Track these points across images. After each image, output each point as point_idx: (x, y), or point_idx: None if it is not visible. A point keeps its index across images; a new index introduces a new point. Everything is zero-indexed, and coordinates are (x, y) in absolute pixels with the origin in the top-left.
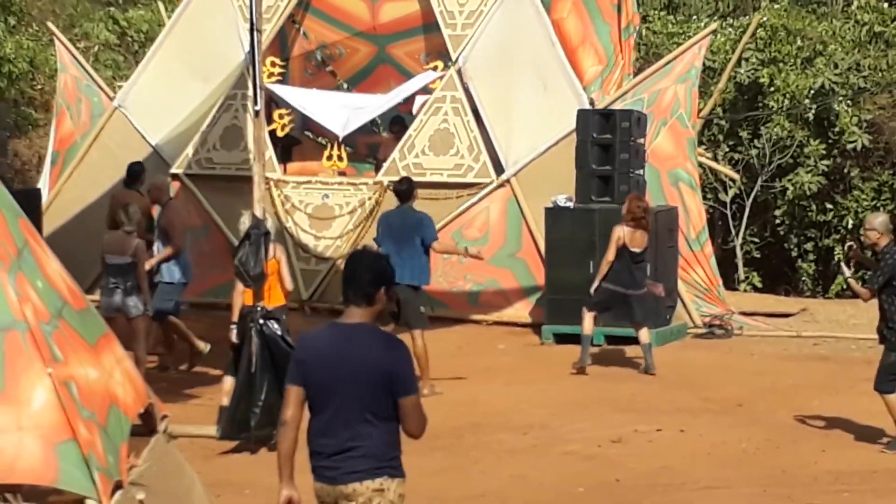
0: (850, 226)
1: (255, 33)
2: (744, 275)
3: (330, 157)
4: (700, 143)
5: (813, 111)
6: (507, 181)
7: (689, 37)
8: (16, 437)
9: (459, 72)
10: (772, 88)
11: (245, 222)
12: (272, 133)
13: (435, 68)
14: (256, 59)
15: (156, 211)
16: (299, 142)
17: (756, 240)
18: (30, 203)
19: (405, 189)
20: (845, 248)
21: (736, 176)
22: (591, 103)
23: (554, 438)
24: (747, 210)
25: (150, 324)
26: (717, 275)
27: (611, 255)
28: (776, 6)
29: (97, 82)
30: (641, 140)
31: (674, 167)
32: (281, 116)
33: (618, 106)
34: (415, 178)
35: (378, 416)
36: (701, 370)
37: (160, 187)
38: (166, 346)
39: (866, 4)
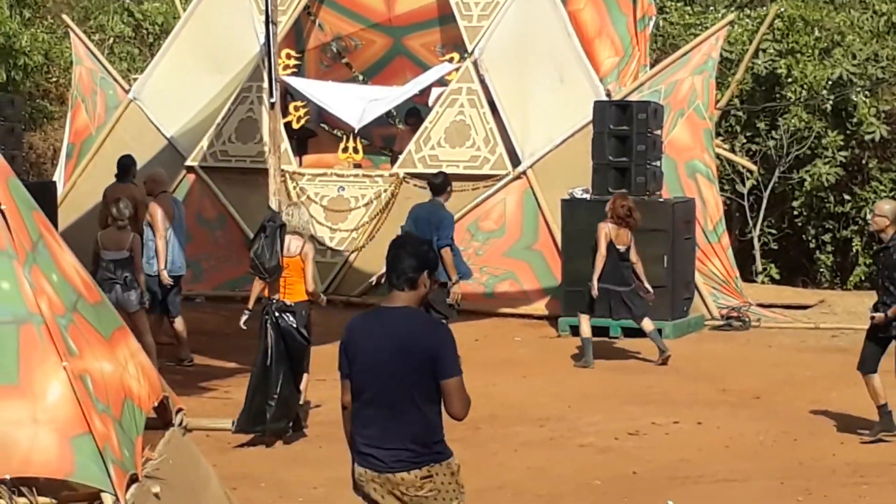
0: (867, 217)
1: (270, 25)
2: (761, 266)
3: (346, 150)
4: (717, 134)
5: (831, 102)
6: (524, 173)
7: (707, 28)
8: (31, 430)
9: (475, 63)
10: (789, 79)
11: (290, 212)
12: (287, 125)
13: (451, 60)
14: (272, 51)
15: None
16: (315, 134)
17: (774, 231)
18: (45, 196)
19: (439, 183)
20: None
21: (753, 167)
22: (608, 95)
23: (571, 431)
24: (765, 201)
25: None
26: (734, 266)
27: (603, 250)
28: None
29: (112, 75)
30: (658, 131)
31: (691, 158)
32: (296, 108)
33: (634, 97)
34: (431, 170)
35: (422, 400)
36: (718, 362)
37: (154, 179)
38: (176, 338)
39: None
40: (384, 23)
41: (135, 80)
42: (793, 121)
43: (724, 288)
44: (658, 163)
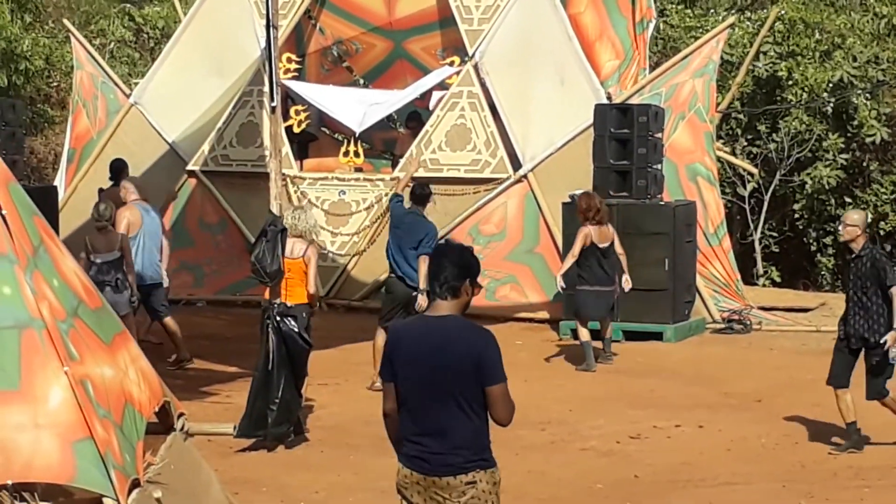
0: (869, 220)
1: (271, 29)
2: (762, 269)
3: (346, 153)
4: (718, 137)
5: (831, 105)
6: (525, 176)
7: (707, 31)
8: (33, 435)
9: (476, 67)
10: (790, 82)
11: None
12: (288, 129)
13: (451, 63)
14: (272, 55)
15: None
16: (316, 138)
17: (775, 234)
18: (46, 200)
19: (424, 195)
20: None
21: (754, 170)
22: (609, 98)
23: (572, 434)
24: (766, 204)
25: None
26: (735, 269)
27: (577, 251)
28: None
29: (113, 79)
30: (659, 134)
31: (692, 161)
32: (297, 112)
33: (635, 100)
34: (431, 174)
35: (468, 406)
36: (720, 365)
37: (126, 187)
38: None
39: None
40: (385, 26)
41: (136, 84)
42: (793, 123)
43: (726, 291)
44: (659, 166)
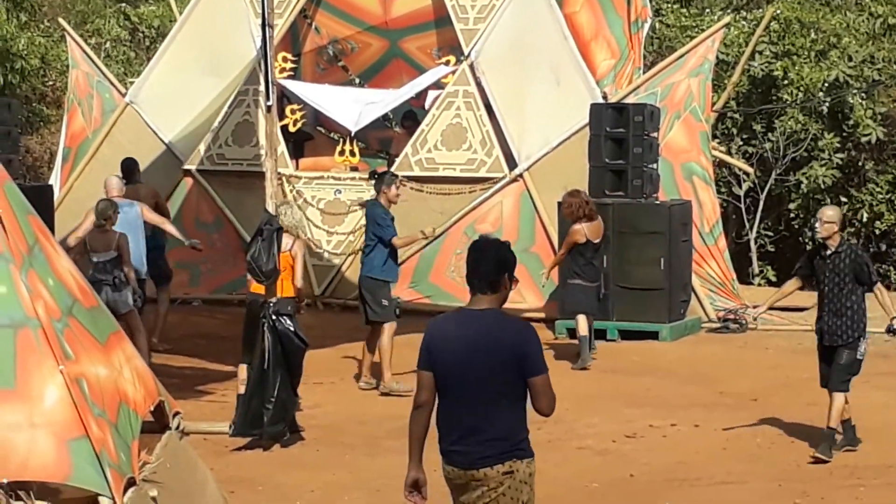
0: (864, 219)
1: (266, 28)
2: (758, 269)
3: (342, 153)
4: (714, 136)
5: (827, 104)
6: (520, 176)
7: (703, 30)
8: (28, 434)
9: (472, 66)
10: (786, 81)
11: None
12: (284, 128)
13: (447, 63)
14: (268, 55)
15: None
16: (311, 137)
17: (770, 233)
18: (41, 199)
19: (374, 180)
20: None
21: (750, 169)
22: (604, 97)
23: (568, 433)
24: (761, 204)
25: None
26: (731, 269)
27: (566, 250)
28: None
29: (108, 78)
30: (655, 134)
31: (687, 161)
32: (293, 112)
33: (631, 100)
34: (427, 173)
35: (507, 398)
36: (715, 365)
37: (107, 183)
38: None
39: None
40: (380, 26)
41: (131, 83)
42: (789, 123)
43: (721, 290)
44: (655, 165)
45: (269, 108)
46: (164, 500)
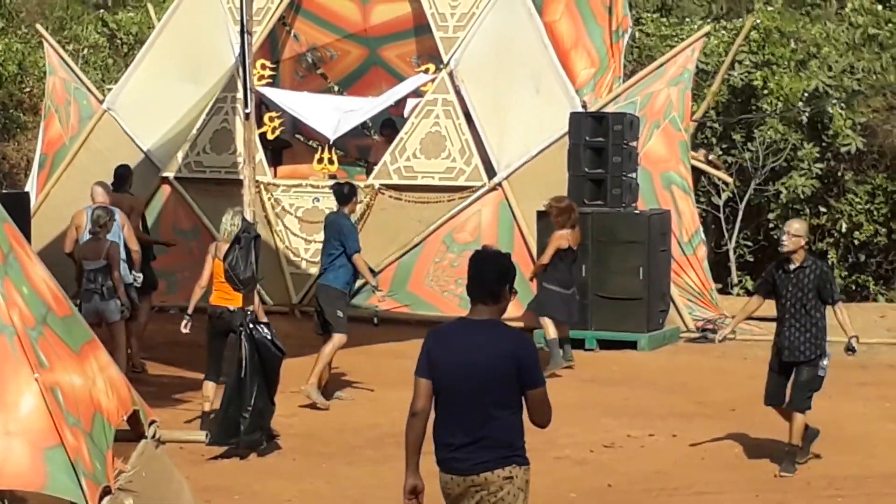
0: (843, 229)
1: (245, 35)
2: (737, 278)
3: (321, 161)
4: (693, 146)
5: (806, 114)
6: (499, 184)
7: (683, 39)
8: (4, 442)
9: (451, 74)
10: (765, 91)
11: (226, 221)
12: (262, 136)
13: (426, 71)
14: (247, 62)
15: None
16: (290, 145)
17: (749, 243)
18: (18, 206)
19: (345, 193)
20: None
21: (729, 179)
22: (584, 106)
23: (546, 443)
24: (740, 213)
25: (124, 327)
26: (709, 279)
27: (548, 258)
28: (770, 8)
29: (86, 85)
30: (634, 143)
31: (666, 170)
32: (271, 119)
33: (610, 109)
34: (406, 182)
35: (505, 407)
36: (694, 374)
37: (94, 189)
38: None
39: (860, 7)
40: (360, 33)
41: (109, 90)
42: (769, 133)
43: (700, 300)
44: (634, 174)
45: (247, 116)
46: None
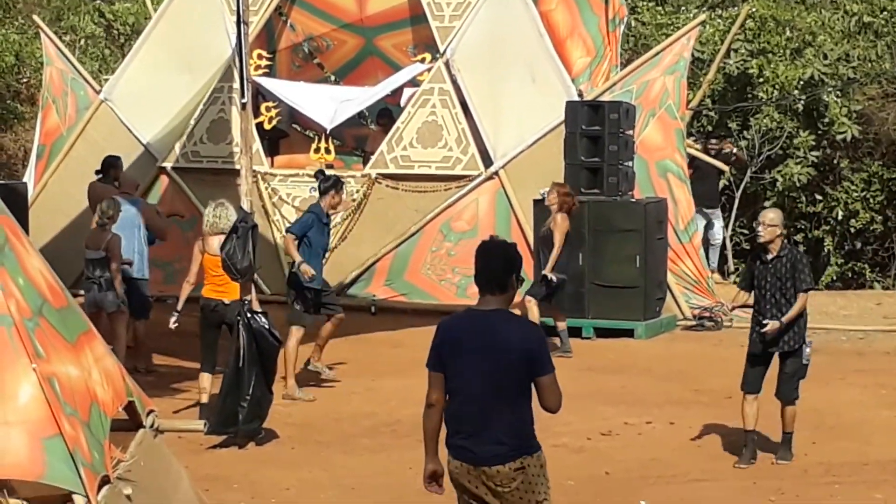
0: (839, 217)
1: (241, 25)
2: (733, 266)
3: (317, 150)
4: (689, 134)
5: (802, 102)
6: (496, 173)
7: (678, 28)
8: (2, 432)
9: (447, 64)
10: (761, 79)
11: (219, 213)
12: (259, 126)
13: (423, 60)
14: (243, 52)
15: None
16: (287, 134)
17: (746, 231)
18: (15, 197)
19: (322, 189)
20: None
21: (725, 167)
22: (580, 95)
23: (543, 431)
24: (737, 201)
25: (126, 319)
26: (706, 266)
27: (559, 247)
28: None
29: (83, 75)
30: (630, 131)
31: (662, 158)
32: (268, 109)
33: (606, 97)
34: (403, 171)
35: (517, 396)
36: (691, 362)
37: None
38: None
39: None
40: (356, 23)
41: (106, 80)
42: (764, 121)
43: (697, 288)
44: (630, 163)
45: (244, 106)
46: (138, 498)
